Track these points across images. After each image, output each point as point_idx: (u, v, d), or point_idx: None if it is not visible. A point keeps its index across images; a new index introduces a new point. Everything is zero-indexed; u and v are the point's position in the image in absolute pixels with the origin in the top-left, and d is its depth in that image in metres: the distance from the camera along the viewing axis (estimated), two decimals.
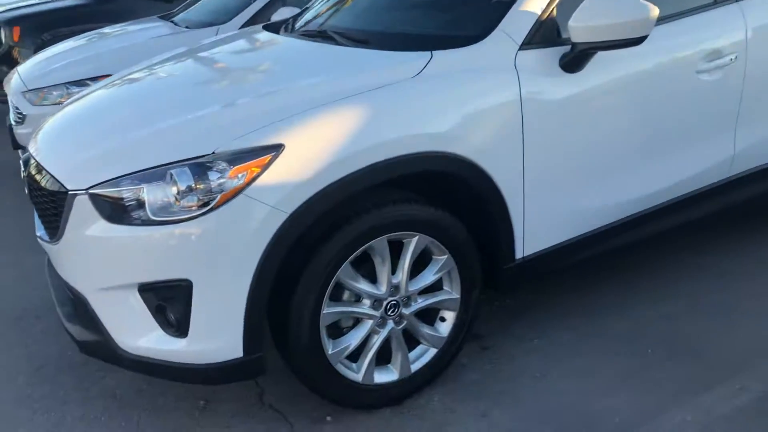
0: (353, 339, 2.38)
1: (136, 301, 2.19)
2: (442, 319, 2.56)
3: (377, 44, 2.67)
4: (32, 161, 2.53)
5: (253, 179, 2.07)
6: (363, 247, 2.27)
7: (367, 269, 2.37)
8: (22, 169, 2.61)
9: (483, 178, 2.40)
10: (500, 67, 2.44)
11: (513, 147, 2.44)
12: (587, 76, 2.53)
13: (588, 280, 3.24)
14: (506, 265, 2.59)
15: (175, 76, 2.90)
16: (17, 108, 4.70)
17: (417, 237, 2.36)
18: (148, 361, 2.24)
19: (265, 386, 2.66)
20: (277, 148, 2.10)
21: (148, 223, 2.11)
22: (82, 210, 2.20)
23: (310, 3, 3.70)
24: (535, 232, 2.59)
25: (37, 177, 2.46)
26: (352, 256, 2.26)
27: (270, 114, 2.18)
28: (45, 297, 2.96)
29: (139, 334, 2.23)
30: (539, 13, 2.51)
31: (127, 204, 2.14)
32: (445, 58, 2.43)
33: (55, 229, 2.35)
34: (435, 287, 2.50)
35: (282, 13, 3.97)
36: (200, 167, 2.09)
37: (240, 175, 2.07)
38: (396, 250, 2.38)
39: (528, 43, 2.49)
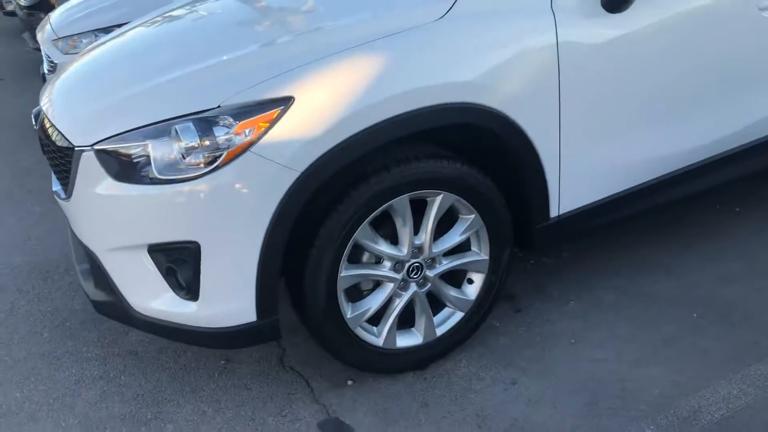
0: (373, 302, 2.26)
1: (147, 261, 2.10)
2: (470, 282, 2.42)
3: None
4: (42, 115, 2.44)
5: (261, 135, 1.93)
6: (382, 207, 2.13)
7: (388, 229, 2.23)
8: (34, 123, 2.53)
9: (514, 131, 2.20)
10: (534, 7, 2.21)
11: (548, 97, 2.23)
12: (633, 16, 2.28)
13: (633, 236, 3.03)
14: (540, 224, 2.41)
15: (185, 24, 2.74)
16: (49, 57, 4.64)
17: (441, 195, 2.20)
18: (161, 323, 2.17)
19: (286, 347, 2.58)
20: (286, 102, 1.94)
21: (154, 181, 2.00)
22: (89, 167, 2.11)
23: None
24: (571, 188, 2.40)
25: (48, 132, 2.38)
26: (370, 217, 2.12)
27: (279, 64, 2.02)
28: None
29: (152, 295, 2.15)
30: None
31: (134, 161, 2.03)
32: None
33: (66, 186, 2.27)
34: (462, 248, 2.35)
35: None
36: (205, 122, 1.96)
37: (247, 131, 1.93)
38: (419, 209, 2.22)
39: None
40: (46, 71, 4.73)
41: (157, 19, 2.90)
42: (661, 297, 2.67)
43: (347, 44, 2.04)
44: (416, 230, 2.24)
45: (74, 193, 2.19)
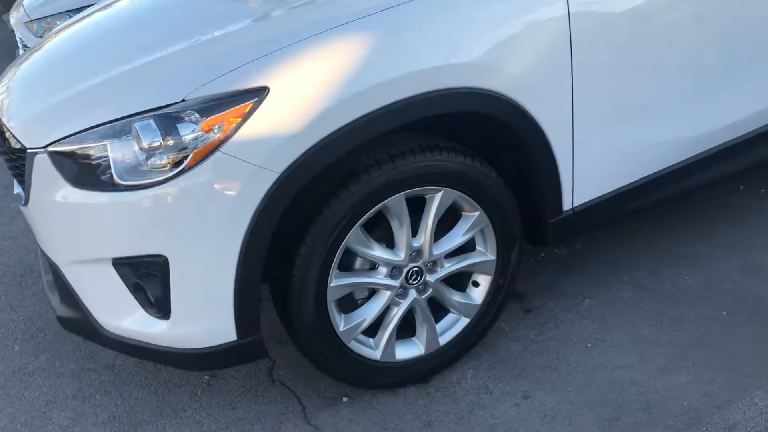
0: (369, 313, 2.03)
1: (113, 276, 1.87)
2: (476, 284, 2.18)
3: None
4: None
5: (233, 132, 1.68)
6: (375, 207, 1.89)
7: (383, 231, 1.99)
8: None
9: (523, 118, 1.95)
10: None
11: (559, 77, 1.98)
12: None
13: (650, 223, 2.78)
14: (553, 218, 2.17)
15: (154, 3, 2.47)
16: (23, 40, 4.37)
17: (441, 192, 1.96)
18: (133, 343, 1.94)
19: (276, 357, 2.36)
20: (260, 93, 1.69)
21: (117, 187, 1.76)
22: (43, 171, 1.87)
23: None
24: (587, 178, 2.15)
25: (2, 130, 2.13)
26: (362, 219, 1.88)
27: (252, 48, 1.77)
28: None
29: (121, 313, 1.92)
30: None
31: (93, 164, 1.79)
32: None
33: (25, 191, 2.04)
34: (466, 248, 2.11)
35: None
36: (168, 118, 1.71)
37: (216, 128, 1.68)
38: (418, 207, 1.98)
39: None
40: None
41: None
42: (685, 292, 2.44)
43: (329, 23, 1.78)
44: (415, 231, 2.00)
45: (30, 199, 1.96)
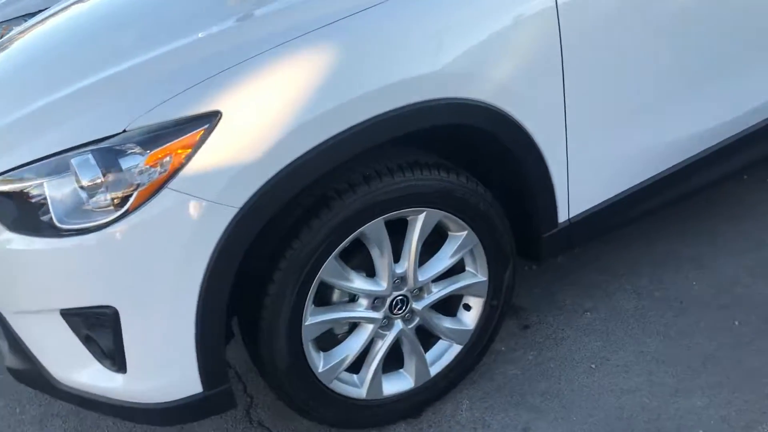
0: (351, 349, 1.84)
1: (63, 327, 1.67)
2: (467, 308, 2.00)
3: None
4: None
5: (182, 166, 1.47)
6: (352, 235, 1.69)
7: (362, 257, 1.80)
8: None
9: (510, 127, 1.75)
10: None
11: (549, 80, 1.78)
12: None
13: (649, 225, 2.59)
14: (547, 232, 1.99)
15: (97, 15, 2.25)
16: None
17: (424, 213, 1.77)
18: (90, 397, 1.75)
19: (254, 394, 2.17)
20: (211, 118, 1.48)
21: (56, 231, 1.56)
22: None
23: None
24: (582, 187, 1.97)
25: None
26: (336, 250, 1.69)
27: (200, 67, 1.55)
28: None
29: (75, 365, 1.72)
30: None
31: (31, 205, 1.58)
32: None
33: None
34: (454, 269, 1.92)
35: None
36: (108, 152, 1.50)
37: (163, 161, 1.48)
38: (400, 229, 1.79)
39: None
40: None
41: (76, 5, 2.41)
42: (692, 300, 2.26)
43: (285, 35, 1.57)
44: (397, 256, 1.81)
45: None
